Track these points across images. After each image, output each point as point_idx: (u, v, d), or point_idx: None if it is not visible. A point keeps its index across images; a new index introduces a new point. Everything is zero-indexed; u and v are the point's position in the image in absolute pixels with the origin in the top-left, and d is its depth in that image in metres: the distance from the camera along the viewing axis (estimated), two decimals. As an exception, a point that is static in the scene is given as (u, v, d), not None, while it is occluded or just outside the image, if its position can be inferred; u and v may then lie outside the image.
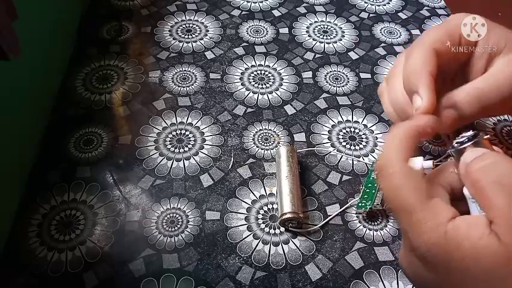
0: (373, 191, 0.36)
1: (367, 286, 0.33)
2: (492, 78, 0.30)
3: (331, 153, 0.41)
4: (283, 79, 0.48)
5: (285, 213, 0.34)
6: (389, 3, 0.60)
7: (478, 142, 0.24)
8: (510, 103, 0.30)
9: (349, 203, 0.37)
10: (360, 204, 0.36)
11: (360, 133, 0.43)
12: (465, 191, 0.24)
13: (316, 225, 0.36)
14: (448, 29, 0.31)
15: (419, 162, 0.26)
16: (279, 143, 0.42)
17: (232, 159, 0.41)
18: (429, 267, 0.22)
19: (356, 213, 0.37)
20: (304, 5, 0.58)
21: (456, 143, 0.25)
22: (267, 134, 0.43)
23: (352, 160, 0.41)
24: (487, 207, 0.21)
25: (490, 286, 0.20)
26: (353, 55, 0.52)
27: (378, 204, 0.35)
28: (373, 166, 0.39)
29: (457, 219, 0.22)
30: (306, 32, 0.54)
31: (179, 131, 0.43)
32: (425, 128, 0.26)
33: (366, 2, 0.59)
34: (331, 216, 0.37)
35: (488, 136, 0.25)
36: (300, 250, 0.35)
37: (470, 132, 0.25)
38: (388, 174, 0.24)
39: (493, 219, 0.21)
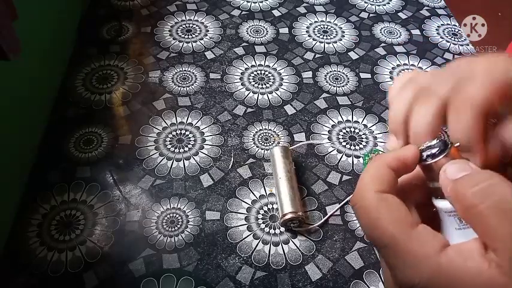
0: None
1: (367, 286, 0.33)
2: None
3: (331, 153, 0.41)
4: (283, 79, 0.48)
5: (286, 214, 0.34)
6: (389, 3, 0.60)
7: (449, 154, 0.23)
8: None
9: (345, 200, 0.37)
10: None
11: (360, 133, 0.43)
12: (438, 203, 0.23)
13: (318, 226, 0.36)
14: (500, 88, 0.29)
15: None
16: (278, 143, 0.42)
17: (232, 159, 0.41)
18: None
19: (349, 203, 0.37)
20: (304, 5, 0.58)
21: (427, 156, 0.23)
22: (267, 134, 0.43)
23: (352, 160, 0.41)
24: (487, 235, 0.20)
25: None
26: (353, 55, 0.52)
27: None
28: (365, 160, 0.39)
29: (449, 250, 0.21)
30: (306, 32, 0.54)
31: (179, 131, 0.43)
32: (406, 159, 0.24)
33: (366, 2, 0.59)
34: (330, 214, 0.37)
35: (458, 144, 0.24)
36: (300, 250, 0.35)
37: (435, 141, 0.24)
38: (363, 207, 0.22)
39: (493, 249, 0.20)
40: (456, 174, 0.23)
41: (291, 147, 0.40)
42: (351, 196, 0.37)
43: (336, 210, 0.37)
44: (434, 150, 0.23)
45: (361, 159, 0.41)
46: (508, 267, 0.18)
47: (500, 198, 0.20)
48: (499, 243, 0.20)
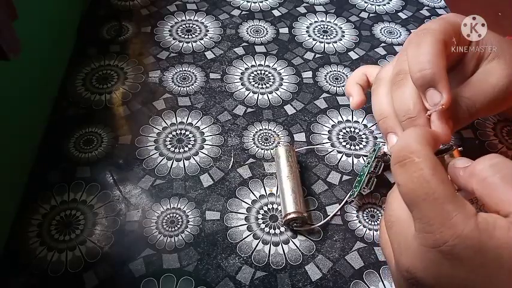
0: (363, 177, 0.36)
1: (367, 286, 0.33)
2: (475, 85, 0.31)
3: (331, 153, 0.41)
4: (283, 79, 0.48)
5: (289, 213, 0.34)
6: (389, 3, 0.60)
7: (452, 154, 0.26)
8: (495, 106, 0.32)
9: (345, 198, 0.37)
10: (350, 194, 0.37)
11: (360, 133, 0.43)
12: None
13: (315, 224, 0.36)
14: (454, 26, 0.31)
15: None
16: (279, 143, 0.42)
17: (232, 159, 0.41)
18: (455, 263, 0.21)
19: (349, 203, 0.37)
20: (304, 5, 0.58)
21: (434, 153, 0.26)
22: (267, 134, 0.43)
23: (352, 160, 0.41)
24: (500, 202, 0.21)
25: None
26: (353, 55, 0.52)
27: (364, 188, 0.36)
28: (368, 156, 0.39)
29: (482, 213, 0.22)
30: (306, 32, 0.54)
31: (179, 131, 0.43)
32: (442, 138, 0.26)
33: (366, 2, 0.59)
34: (331, 215, 0.37)
35: (461, 148, 0.26)
36: (300, 250, 0.35)
37: (442, 146, 0.26)
38: (414, 164, 0.23)
39: (509, 213, 0.21)
40: (465, 163, 0.25)
41: (296, 150, 0.40)
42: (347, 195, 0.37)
43: (338, 212, 0.37)
44: (441, 150, 0.26)
45: (361, 159, 0.41)
46: None
47: (509, 170, 0.22)
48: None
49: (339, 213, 0.37)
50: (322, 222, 0.36)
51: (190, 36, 0.53)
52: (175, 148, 0.41)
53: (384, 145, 0.38)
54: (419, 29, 0.31)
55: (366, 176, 0.36)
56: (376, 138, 0.43)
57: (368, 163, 0.37)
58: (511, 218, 0.21)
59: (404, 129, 0.32)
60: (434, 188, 0.22)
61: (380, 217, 0.37)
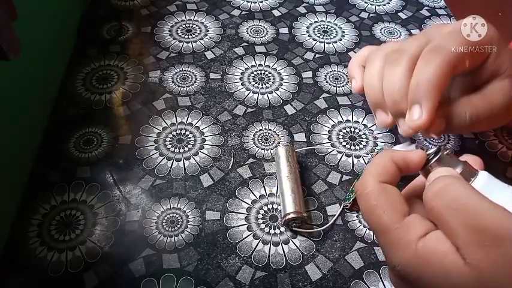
0: None
1: (367, 286, 0.33)
2: (485, 98, 0.31)
3: (331, 153, 0.41)
4: (283, 79, 0.48)
5: (289, 213, 0.34)
6: (389, 3, 0.60)
7: (440, 158, 0.25)
8: (494, 122, 0.33)
9: (343, 203, 0.37)
10: (346, 197, 0.37)
11: (360, 133, 0.43)
12: None
13: (318, 225, 0.36)
14: (469, 45, 0.30)
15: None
16: (279, 143, 0.42)
17: (232, 159, 0.41)
18: (406, 284, 0.23)
19: (343, 206, 0.37)
20: (304, 5, 0.58)
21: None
22: (267, 134, 0.43)
23: (352, 160, 0.41)
24: (447, 233, 0.21)
25: None
26: (353, 55, 0.51)
27: None
28: (369, 160, 0.39)
29: (428, 235, 0.22)
30: (306, 32, 0.54)
31: (179, 131, 0.43)
32: (411, 161, 0.26)
33: (366, 2, 0.59)
34: (334, 218, 0.37)
35: (447, 151, 0.26)
36: (300, 250, 0.35)
37: (432, 150, 0.26)
38: (364, 194, 0.24)
39: (455, 244, 0.21)
40: (431, 180, 0.24)
41: (296, 150, 0.40)
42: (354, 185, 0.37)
43: (340, 214, 0.37)
44: (429, 157, 0.26)
45: (361, 159, 0.41)
46: (467, 253, 0.20)
47: (451, 197, 0.21)
48: (456, 237, 0.21)
49: (338, 213, 0.37)
50: (324, 226, 0.36)
51: (190, 36, 0.53)
52: (175, 148, 0.41)
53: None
54: (436, 44, 0.30)
55: None
56: (376, 138, 0.43)
57: None
58: (461, 250, 0.20)
59: (390, 112, 0.33)
60: (379, 218, 0.24)
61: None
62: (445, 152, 0.25)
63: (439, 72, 0.29)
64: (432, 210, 0.22)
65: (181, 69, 0.49)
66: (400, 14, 0.58)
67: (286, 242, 0.35)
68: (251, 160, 0.40)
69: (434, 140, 0.42)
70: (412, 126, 0.30)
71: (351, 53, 0.52)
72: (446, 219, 0.21)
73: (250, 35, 0.53)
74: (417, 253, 0.21)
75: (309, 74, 0.49)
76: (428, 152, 0.26)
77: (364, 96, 0.36)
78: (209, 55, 0.50)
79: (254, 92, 0.47)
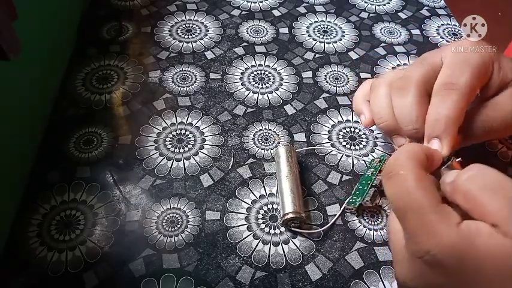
0: (365, 188, 0.36)
1: (367, 286, 0.33)
2: (497, 106, 0.31)
3: (331, 153, 0.41)
4: (283, 79, 0.48)
5: (287, 213, 0.34)
6: (389, 3, 0.60)
7: (450, 166, 0.26)
8: (508, 130, 0.33)
9: (345, 203, 0.37)
10: (350, 200, 0.36)
11: (360, 133, 0.43)
12: None
13: (318, 225, 0.36)
14: (480, 74, 0.31)
15: None
16: (279, 143, 0.42)
17: (232, 159, 0.41)
18: (438, 271, 0.22)
19: (346, 209, 0.37)
20: (304, 5, 0.58)
21: None
22: (267, 134, 0.43)
23: (352, 160, 0.41)
24: (484, 213, 0.21)
25: (503, 285, 0.20)
26: (353, 55, 0.52)
27: (367, 201, 0.35)
28: (370, 164, 0.39)
29: (465, 222, 0.22)
30: (306, 32, 0.54)
31: (179, 131, 0.43)
32: (435, 160, 0.27)
33: (366, 2, 0.59)
34: (333, 219, 0.37)
35: (459, 159, 0.26)
36: (300, 250, 0.35)
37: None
38: (399, 176, 0.24)
39: (494, 223, 0.21)
40: (452, 178, 0.25)
41: (297, 150, 0.40)
42: (348, 198, 0.37)
43: (339, 215, 0.37)
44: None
45: (361, 160, 0.41)
46: (510, 231, 0.19)
47: (488, 180, 0.22)
48: (496, 216, 0.21)
49: (338, 213, 0.37)
50: (325, 227, 0.36)
51: (190, 36, 0.53)
52: (175, 148, 0.41)
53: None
54: (447, 80, 0.31)
55: (370, 188, 0.36)
56: (376, 138, 0.43)
57: (372, 173, 0.37)
58: (497, 229, 0.21)
59: (408, 138, 0.33)
60: (416, 200, 0.23)
61: (380, 217, 0.37)
62: (457, 160, 0.26)
63: (457, 109, 0.30)
64: (467, 193, 0.22)
65: (181, 69, 0.49)
66: (400, 14, 0.58)
67: (286, 242, 0.35)
68: (251, 160, 0.40)
69: None
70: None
71: (351, 53, 0.52)
72: (484, 201, 0.21)
73: (250, 35, 0.53)
74: (459, 236, 0.21)
75: (309, 74, 0.49)
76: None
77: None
78: (209, 55, 0.50)
79: (254, 92, 0.47)
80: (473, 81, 0.30)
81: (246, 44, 0.52)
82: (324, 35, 0.54)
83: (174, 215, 0.36)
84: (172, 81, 0.47)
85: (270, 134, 0.43)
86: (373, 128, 0.44)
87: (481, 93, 0.32)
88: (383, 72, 0.36)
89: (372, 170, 0.38)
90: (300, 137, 0.43)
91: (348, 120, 0.44)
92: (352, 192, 0.37)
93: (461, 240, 0.21)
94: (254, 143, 0.42)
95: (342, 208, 0.37)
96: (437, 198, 0.23)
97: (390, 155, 0.38)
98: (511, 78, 0.32)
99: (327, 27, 0.55)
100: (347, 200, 0.37)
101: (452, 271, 0.22)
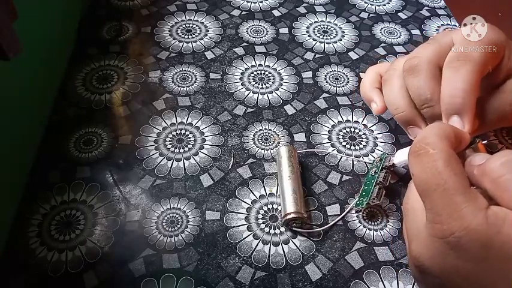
0: (370, 187, 0.36)
1: (367, 286, 0.33)
2: (510, 92, 0.31)
3: (331, 153, 0.41)
4: (283, 79, 0.48)
5: (289, 213, 0.34)
6: (389, 3, 0.60)
7: (476, 148, 0.25)
8: None
9: (351, 206, 0.37)
10: (357, 203, 0.36)
11: (360, 133, 0.43)
12: None
13: (318, 225, 0.36)
14: (493, 53, 0.30)
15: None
16: (279, 143, 0.42)
17: (232, 159, 0.41)
18: (462, 255, 0.22)
19: (355, 212, 0.37)
20: (304, 5, 0.58)
21: None
22: (267, 134, 0.43)
23: (352, 160, 0.41)
24: (511, 202, 0.21)
25: None
26: (353, 55, 0.52)
27: (374, 198, 0.35)
28: (372, 164, 0.39)
29: (493, 207, 0.22)
30: (306, 32, 0.54)
31: (179, 131, 0.43)
32: (465, 138, 0.26)
33: (366, 2, 0.59)
34: (336, 220, 0.37)
35: (485, 142, 0.26)
36: (300, 250, 0.35)
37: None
38: (429, 154, 0.23)
39: None
40: (480, 161, 0.25)
41: (298, 151, 0.40)
42: (354, 201, 0.37)
43: (342, 216, 0.37)
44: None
45: (361, 159, 0.41)
46: None
47: None
48: None
49: (338, 213, 0.37)
50: (325, 227, 0.36)
51: (190, 36, 0.53)
52: (175, 148, 0.41)
53: (392, 155, 0.38)
54: (460, 52, 0.30)
55: (375, 186, 0.36)
56: (376, 138, 0.43)
57: (375, 172, 0.37)
58: None
59: (425, 117, 0.33)
60: (445, 179, 0.22)
61: (380, 217, 0.37)
62: (484, 142, 0.26)
63: (472, 81, 0.29)
64: (498, 179, 0.22)
65: (181, 69, 0.49)
66: (400, 14, 0.58)
67: (286, 242, 0.35)
68: (251, 160, 0.40)
69: None
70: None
71: (351, 53, 0.52)
72: None
73: (250, 35, 0.53)
74: (487, 222, 0.21)
75: (309, 74, 0.49)
76: None
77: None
78: (209, 55, 0.50)
79: (254, 92, 0.47)
80: (487, 55, 0.29)
81: (246, 44, 0.52)
82: (324, 35, 0.54)
83: (174, 215, 0.36)
84: (172, 81, 0.47)
85: (270, 134, 0.43)
86: (374, 128, 0.44)
87: (490, 77, 0.32)
88: (391, 61, 0.36)
89: (375, 169, 0.38)
90: (300, 137, 0.43)
91: (348, 121, 0.44)
92: (359, 194, 0.37)
93: (488, 226, 0.21)
94: (254, 143, 0.42)
95: (347, 210, 0.37)
96: (466, 181, 0.23)
97: (389, 154, 0.38)
98: None
99: (327, 28, 0.55)
100: (353, 202, 0.37)
101: (476, 256, 0.21)
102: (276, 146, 0.42)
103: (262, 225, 0.36)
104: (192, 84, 0.47)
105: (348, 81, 0.48)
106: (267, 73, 0.49)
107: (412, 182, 0.27)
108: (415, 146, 0.25)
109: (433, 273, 0.23)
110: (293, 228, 0.35)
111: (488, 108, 0.31)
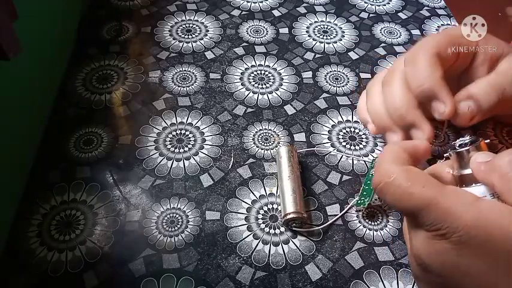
0: (371, 187, 0.36)
1: (367, 286, 0.33)
2: (504, 72, 0.31)
3: (331, 153, 0.41)
4: (283, 79, 0.48)
5: (289, 213, 0.34)
6: (389, 3, 0.60)
7: (478, 146, 0.26)
8: None
9: (350, 204, 0.37)
10: (358, 202, 0.36)
11: (360, 133, 0.43)
12: (467, 190, 0.25)
13: (318, 225, 0.36)
14: (449, 36, 0.31)
15: None
16: (279, 143, 0.42)
17: (232, 159, 0.41)
18: (465, 252, 0.22)
19: (356, 211, 0.37)
20: (304, 5, 0.58)
21: (459, 145, 0.26)
22: (267, 134, 0.43)
23: (352, 160, 0.41)
24: None
25: None
26: (353, 55, 0.52)
27: (376, 199, 0.35)
28: (372, 163, 0.39)
29: (485, 200, 0.22)
30: (306, 32, 0.54)
31: (179, 131, 0.43)
32: (422, 148, 0.27)
33: (366, 2, 0.59)
34: (335, 218, 0.37)
35: (488, 141, 0.26)
36: (300, 250, 0.35)
37: (469, 137, 0.26)
38: (390, 182, 0.24)
39: None
40: (486, 158, 0.25)
41: (298, 151, 0.40)
42: (353, 201, 0.37)
43: (341, 215, 0.37)
44: (466, 141, 0.26)
45: (361, 159, 0.41)
46: None
47: None
48: None
49: (338, 213, 0.37)
50: (324, 225, 0.36)
51: (190, 36, 0.53)
52: (175, 148, 0.41)
53: None
54: (415, 45, 0.32)
55: None
56: (376, 138, 0.43)
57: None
58: None
59: (397, 126, 0.33)
60: (420, 195, 0.23)
61: (380, 217, 0.37)
62: (487, 141, 0.26)
63: (428, 64, 0.30)
64: (508, 174, 0.22)
65: (181, 69, 0.49)
66: (400, 14, 0.58)
67: (286, 242, 0.35)
68: (251, 160, 0.40)
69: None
70: (444, 117, 0.31)
71: (351, 53, 0.52)
72: None
73: (250, 35, 0.53)
74: (482, 212, 0.21)
75: (309, 74, 0.49)
76: (462, 138, 0.27)
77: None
78: (209, 55, 0.50)
79: (254, 92, 0.47)
80: (439, 39, 0.31)
81: (246, 44, 0.52)
82: (324, 35, 0.54)
83: (174, 215, 0.36)
84: (172, 81, 0.47)
85: (270, 134, 0.43)
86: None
87: (470, 71, 0.33)
88: (384, 68, 0.36)
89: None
90: (300, 137, 0.43)
91: (348, 121, 0.44)
92: (359, 193, 0.37)
93: (485, 217, 0.21)
94: (254, 143, 0.42)
95: (347, 209, 0.37)
96: (440, 184, 0.23)
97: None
98: (501, 52, 0.32)
99: (327, 28, 0.55)
100: (353, 201, 0.37)
101: (478, 251, 0.21)
102: (276, 146, 0.42)
103: (262, 225, 0.36)
104: (192, 84, 0.47)
105: (348, 81, 0.48)
106: (267, 73, 0.49)
107: None
108: (375, 183, 0.25)
109: (434, 271, 0.24)
110: (293, 228, 0.35)
111: (488, 91, 0.31)
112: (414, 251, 0.25)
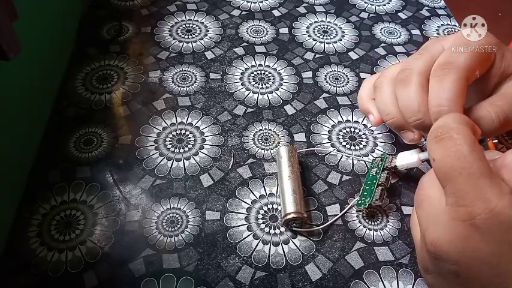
0: (372, 188, 0.36)
1: (367, 286, 0.33)
2: (506, 95, 0.31)
3: (331, 153, 0.41)
4: (283, 79, 0.48)
5: (289, 213, 0.34)
6: (389, 3, 0.60)
7: (486, 145, 0.26)
8: None
9: (350, 204, 0.37)
10: (359, 202, 0.36)
11: (360, 133, 0.43)
12: None
13: (318, 225, 0.36)
14: (479, 57, 0.30)
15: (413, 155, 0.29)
16: (279, 143, 0.42)
17: (232, 159, 0.41)
18: (487, 237, 0.22)
19: (356, 211, 0.37)
20: (304, 5, 0.58)
21: None
22: (267, 134, 0.43)
23: (352, 160, 0.41)
24: None
25: None
26: (353, 55, 0.52)
27: (376, 200, 0.35)
28: (372, 163, 0.39)
29: None
30: (306, 32, 0.54)
31: (179, 131, 0.43)
32: (476, 128, 0.26)
33: (366, 2, 0.59)
34: (335, 218, 0.37)
35: (496, 140, 0.26)
36: (300, 250, 0.35)
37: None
38: (452, 139, 0.24)
39: None
40: (494, 156, 0.25)
41: (298, 151, 0.40)
42: (354, 201, 0.37)
43: (341, 215, 0.37)
44: None
45: (361, 159, 0.41)
46: None
47: None
48: None
49: (338, 213, 0.37)
50: (324, 225, 0.36)
51: (190, 36, 0.53)
52: (175, 148, 0.41)
53: (393, 156, 0.38)
54: (445, 60, 0.30)
55: (377, 187, 0.36)
56: (376, 138, 0.43)
57: (376, 172, 0.37)
58: None
59: (414, 128, 0.33)
60: (471, 163, 0.23)
61: (380, 217, 0.37)
62: (494, 140, 0.26)
63: (456, 89, 0.29)
64: None
65: (181, 69, 0.49)
66: (400, 14, 0.58)
67: (286, 242, 0.35)
68: (251, 160, 0.40)
69: None
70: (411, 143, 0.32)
71: (351, 53, 0.52)
72: None
73: (250, 35, 0.53)
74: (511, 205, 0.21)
75: (309, 74, 0.49)
76: None
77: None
78: (209, 55, 0.50)
79: (254, 92, 0.47)
80: (472, 60, 0.29)
81: (246, 44, 0.52)
82: (324, 35, 0.54)
83: (174, 215, 0.36)
84: (172, 81, 0.47)
85: (270, 134, 0.43)
86: (374, 128, 0.44)
87: (482, 81, 0.32)
88: (384, 68, 0.36)
89: (376, 169, 0.38)
90: (300, 137, 0.43)
91: (347, 121, 0.44)
92: (360, 194, 0.37)
93: None
94: (254, 143, 0.42)
95: (347, 209, 0.37)
96: (489, 166, 0.23)
97: (390, 155, 0.38)
98: None
99: (327, 28, 0.55)
100: (354, 201, 0.37)
101: (500, 239, 0.21)
102: (276, 146, 0.42)
103: (262, 225, 0.36)
104: (192, 84, 0.47)
105: (348, 81, 0.48)
106: (267, 73, 0.49)
107: (425, 176, 0.27)
108: (436, 131, 0.25)
109: (450, 259, 0.23)
110: (293, 228, 0.35)
111: (489, 113, 0.31)
112: (431, 240, 0.24)
